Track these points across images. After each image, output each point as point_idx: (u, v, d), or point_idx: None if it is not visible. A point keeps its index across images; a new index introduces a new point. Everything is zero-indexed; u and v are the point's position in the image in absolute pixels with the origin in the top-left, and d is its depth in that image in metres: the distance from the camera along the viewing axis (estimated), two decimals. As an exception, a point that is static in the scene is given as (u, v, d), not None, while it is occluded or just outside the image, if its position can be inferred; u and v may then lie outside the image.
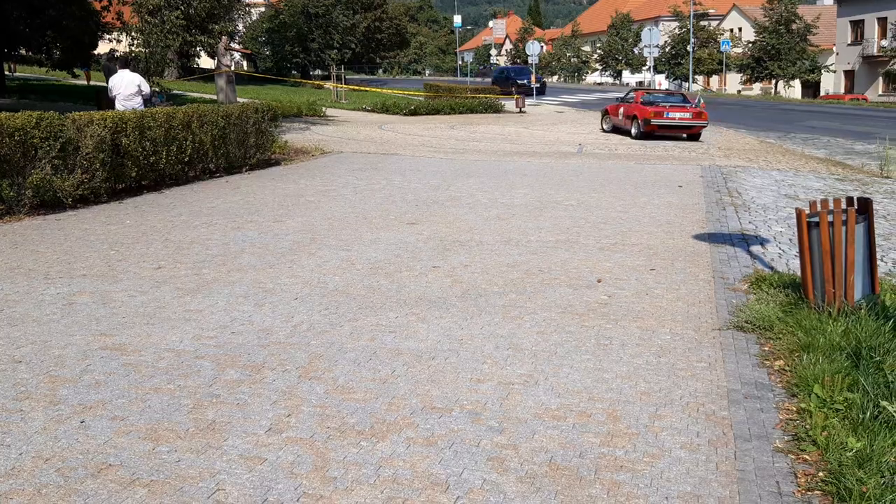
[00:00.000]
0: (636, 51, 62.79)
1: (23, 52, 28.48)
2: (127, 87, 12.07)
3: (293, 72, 55.60)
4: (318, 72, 57.77)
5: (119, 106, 11.87)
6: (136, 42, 14.33)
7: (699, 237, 8.07)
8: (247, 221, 8.61)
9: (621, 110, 21.32)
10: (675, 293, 5.94)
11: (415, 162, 14.79)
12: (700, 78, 58.64)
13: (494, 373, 4.28)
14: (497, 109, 31.72)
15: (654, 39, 30.46)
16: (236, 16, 24.38)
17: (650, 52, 31.31)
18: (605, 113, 23.00)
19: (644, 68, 57.60)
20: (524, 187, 11.49)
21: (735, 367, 4.41)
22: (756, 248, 7.67)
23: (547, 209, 9.64)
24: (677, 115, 19.78)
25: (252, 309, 5.41)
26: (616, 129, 22.05)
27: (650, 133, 19.77)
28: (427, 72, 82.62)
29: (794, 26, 50.58)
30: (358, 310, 5.42)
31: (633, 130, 20.38)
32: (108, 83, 20.62)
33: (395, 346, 4.68)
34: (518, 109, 31.75)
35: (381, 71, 74.60)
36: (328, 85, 38.29)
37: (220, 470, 3.20)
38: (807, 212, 5.11)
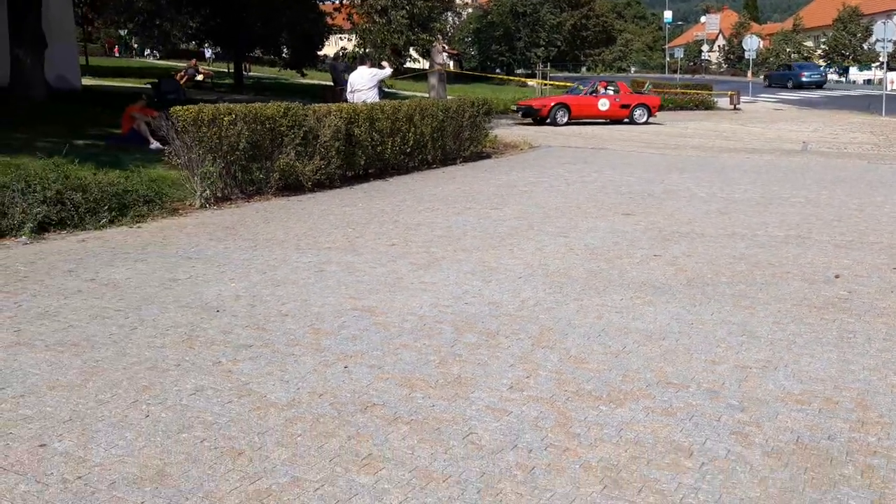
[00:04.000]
0: (866, 46, 57.53)
1: (256, 53, 31.35)
2: (366, 81, 13.03)
3: (497, 70, 56.63)
4: (522, 70, 58.44)
5: (355, 100, 12.84)
6: (364, 41, 15.38)
7: (951, 238, 7.38)
8: (465, 208, 9.00)
9: (604, 102, 22.26)
10: (926, 293, 5.51)
11: (625, 156, 14.65)
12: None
13: (729, 356, 4.24)
14: (708, 106, 30.54)
15: (889, 34, 27.76)
16: (451, 16, 25.32)
17: (884, 48, 28.57)
18: (559, 106, 22.00)
19: (875, 65, 52.70)
20: (745, 183, 11.04)
21: None
22: None
23: (772, 205, 9.22)
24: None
25: (481, 284, 5.70)
26: (572, 121, 22.15)
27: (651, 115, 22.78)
28: (633, 69, 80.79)
29: None
30: (581, 291, 5.55)
31: (641, 118, 22.57)
32: (333, 83, 22.30)
33: (624, 325, 4.76)
34: (732, 106, 30.31)
35: (584, 69, 74.04)
36: (532, 83, 38.69)
37: (471, 417, 3.47)
38: None
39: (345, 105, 11.03)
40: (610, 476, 2.97)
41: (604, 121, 22.56)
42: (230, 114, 9.11)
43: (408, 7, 17.88)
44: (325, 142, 10.16)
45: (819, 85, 46.23)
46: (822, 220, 8.31)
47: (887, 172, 12.51)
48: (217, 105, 9.39)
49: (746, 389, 3.79)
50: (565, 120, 21.79)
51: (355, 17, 18.61)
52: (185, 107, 9.08)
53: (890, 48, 29.97)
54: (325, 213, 8.63)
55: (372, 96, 13.11)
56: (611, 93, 22.71)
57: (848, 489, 2.89)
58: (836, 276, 5.97)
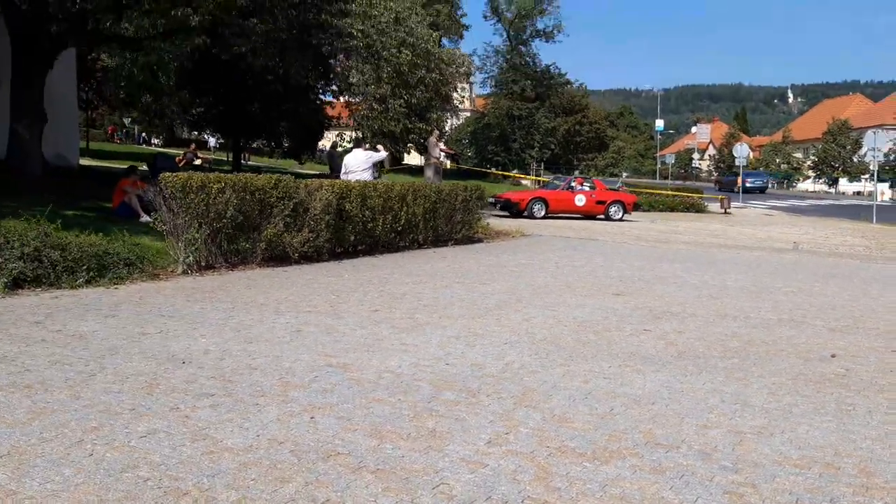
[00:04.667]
0: (856, 159, 59.02)
1: (257, 145, 31.82)
2: (360, 163, 13.08)
3: (493, 169, 57.63)
4: (517, 171, 59.51)
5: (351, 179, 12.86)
6: (361, 127, 15.61)
7: (948, 327, 7.20)
8: (454, 282, 8.83)
9: (580, 197, 22.61)
10: (927, 372, 5.29)
11: (615, 247, 14.61)
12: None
13: (723, 422, 3.99)
14: (700, 209, 30.84)
15: (881, 143, 28.47)
16: (448, 114, 25.84)
17: (874, 156, 29.21)
18: (536, 200, 22.23)
19: (865, 176, 53.92)
20: (736, 273, 10.93)
21: None
22: None
23: (764, 293, 9.07)
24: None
25: (464, 348, 5.47)
26: (553, 215, 22.13)
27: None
28: (624, 174, 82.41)
29: None
30: (568, 357, 5.32)
31: (616, 215, 22.73)
32: (330, 170, 22.50)
33: (611, 390, 4.51)
34: (723, 210, 30.66)
35: (577, 172, 75.53)
36: (526, 181, 39.30)
37: (443, 468, 3.19)
38: None
39: (337, 181, 11.02)
40: (592, 530, 2.68)
41: (580, 216, 22.71)
42: (219, 182, 9.05)
43: (406, 97, 18.30)
44: (314, 215, 10.07)
45: (762, 189, 52.32)
46: (815, 306, 8.15)
47: (881, 271, 12.46)
48: (206, 174, 9.35)
49: (741, 453, 3.53)
50: (542, 213, 21.90)
51: (353, 107, 19.10)
52: (174, 174, 9.03)
53: (881, 157, 30.64)
54: (309, 281, 8.45)
55: (366, 178, 13.14)
56: (587, 189, 23.05)
57: (855, 552, 2.61)
58: (833, 356, 5.76)
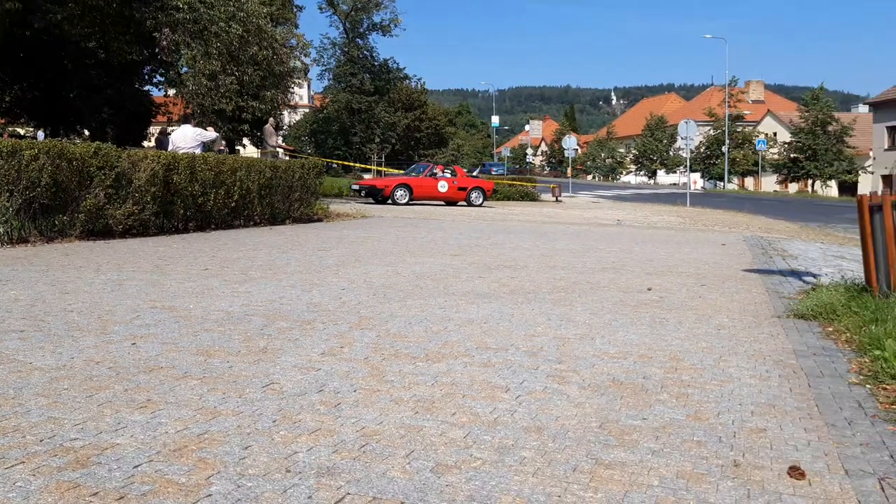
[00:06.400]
0: (671, 152, 63.60)
1: (77, 141, 29.76)
2: (188, 140, 12.48)
3: (334, 166, 57.14)
4: (359, 165, 59.33)
5: None
6: (189, 104, 14.94)
7: (748, 270, 7.94)
8: (291, 249, 8.68)
9: (443, 184, 23.07)
10: (729, 297, 5.81)
11: (454, 224, 14.92)
12: (735, 178, 59.00)
13: (548, 332, 4.17)
14: (534, 198, 32.07)
15: (692, 132, 30.82)
16: (283, 94, 25.09)
17: (687, 144, 31.60)
18: (401, 186, 22.52)
19: (680, 168, 58.23)
20: (565, 240, 11.48)
21: (799, 338, 4.25)
22: (808, 279, 7.50)
23: (590, 252, 9.59)
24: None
25: (300, 293, 5.39)
26: (419, 201, 22.74)
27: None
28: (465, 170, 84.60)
29: (830, 128, 51.03)
30: (405, 297, 5.37)
31: (477, 200, 23.53)
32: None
33: (446, 316, 4.61)
34: (555, 198, 32.08)
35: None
36: (368, 176, 39.34)
37: (274, 373, 3.12)
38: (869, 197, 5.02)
39: (163, 152, 10.50)
40: (423, 405, 2.72)
41: (442, 202, 23.10)
42: (32, 148, 8.38)
43: (237, 74, 17.75)
44: (139, 186, 9.54)
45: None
46: (634, 260, 8.71)
47: (692, 236, 13.51)
48: (19, 140, 8.63)
49: (564, 350, 3.71)
50: (406, 199, 22.08)
51: (182, 88, 18.33)
52: (-23, 138, 8.25)
53: (693, 145, 33.16)
54: (134, 251, 8.00)
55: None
56: (448, 175, 23.50)
57: (664, 408, 2.82)
58: (649, 289, 6.18)
